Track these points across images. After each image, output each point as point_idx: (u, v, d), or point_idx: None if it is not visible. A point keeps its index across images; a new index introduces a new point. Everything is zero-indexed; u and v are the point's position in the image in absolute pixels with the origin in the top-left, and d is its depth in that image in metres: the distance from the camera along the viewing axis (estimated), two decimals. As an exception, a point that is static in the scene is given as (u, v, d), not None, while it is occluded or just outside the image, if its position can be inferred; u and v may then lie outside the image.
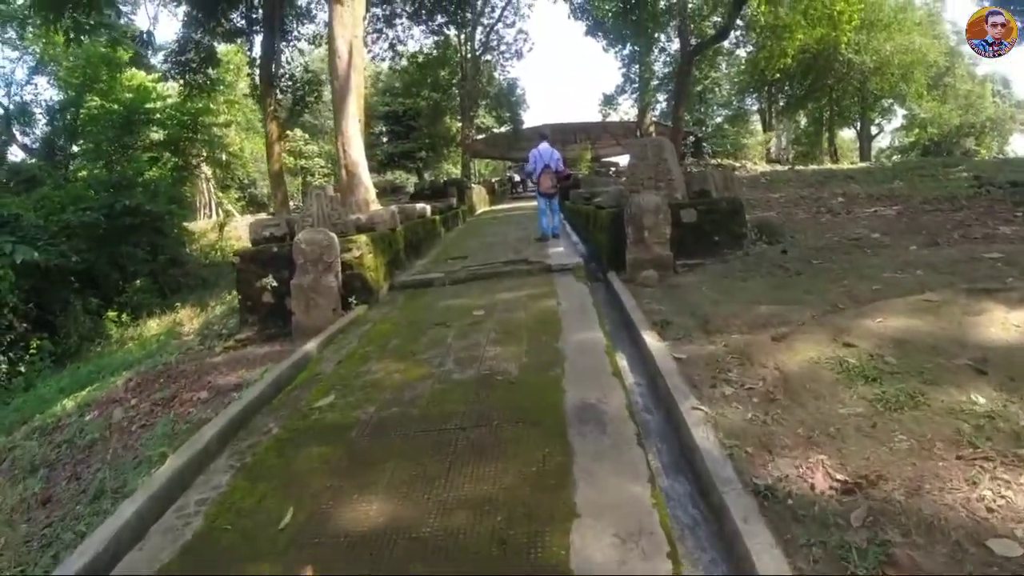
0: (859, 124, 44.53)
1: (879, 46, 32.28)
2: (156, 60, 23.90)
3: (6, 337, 14.36)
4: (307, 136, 45.93)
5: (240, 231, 23.78)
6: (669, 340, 5.33)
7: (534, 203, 11.67)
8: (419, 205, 13.63)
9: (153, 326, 16.01)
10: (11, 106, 25.84)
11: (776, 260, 7.62)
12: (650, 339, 5.28)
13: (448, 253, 11.44)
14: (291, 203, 34.11)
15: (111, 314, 16.78)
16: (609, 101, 37.82)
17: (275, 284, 8.61)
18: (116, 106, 23.28)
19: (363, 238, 8.83)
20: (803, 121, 46.05)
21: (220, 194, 29.47)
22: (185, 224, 26.48)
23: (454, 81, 35.94)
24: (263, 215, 34.12)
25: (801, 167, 27.65)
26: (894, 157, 48.07)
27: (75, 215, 17.99)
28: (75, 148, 26.68)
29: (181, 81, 19.43)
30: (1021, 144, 48.25)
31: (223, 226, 27.43)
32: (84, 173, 23.49)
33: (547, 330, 5.96)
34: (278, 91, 20.82)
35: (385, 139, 37.54)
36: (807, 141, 45.16)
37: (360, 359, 5.95)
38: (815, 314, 5.44)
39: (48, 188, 19.95)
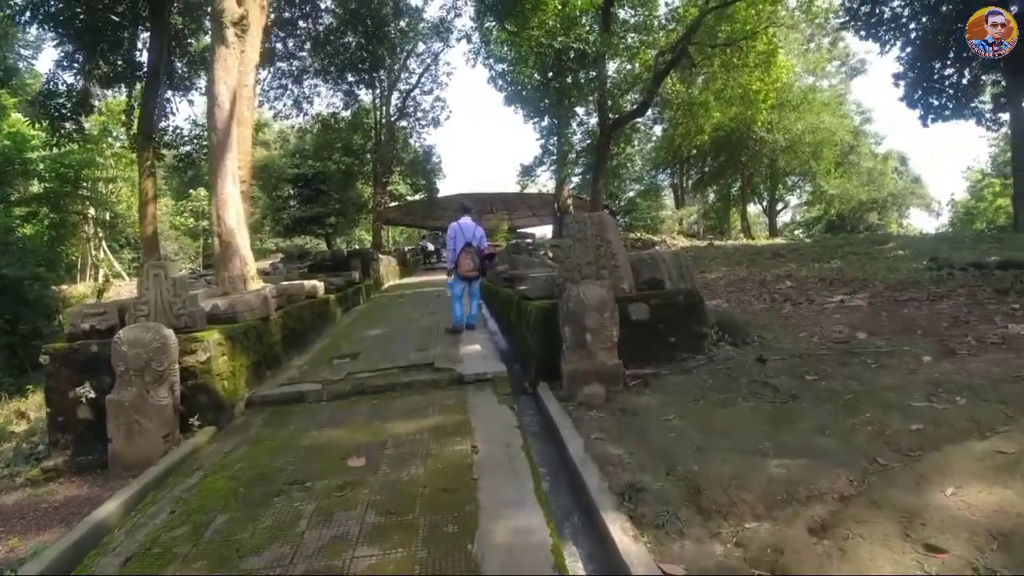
0: (767, 200, 44.93)
1: (790, 125, 32.37)
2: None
3: None
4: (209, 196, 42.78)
5: (128, 294, 20.63)
6: (649, 531, 3.32)
7: (443, 276, 9.44)
8: (308, 283, 11.22)
9: (-8, 416, 12.73)
10: None
11: (755, 373, 5.69)
12: (619, 533, 3.19)
13: (337, 347, 9.07)
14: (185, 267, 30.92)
15: (-32, 394, 13.49)
16: (527, 172, 36.47)
17: (93, 395, 6.28)
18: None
19: (215, 335, 6.46)
20: (711, 197, 46.14)
21: (101, 255, 25.98)
22: (64, 287, 23.18)
23: (368, 146, 33.87)
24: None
25: (719, 242, 26.75)
26: (797, 231, 48.89)
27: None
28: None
29: (47, 127, 16.52)
30: (918, 219, 50.03)
31: (102, 292, 24.12)
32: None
33: (456, 506, 3.76)
34: (159, 146, 18.09)
35: (294, 203, 34.85)
36: (715, 216, 45.13)
37: (159, 557, 3.54)
38: (852, 477, 3.60)
39: None
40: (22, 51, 28.89)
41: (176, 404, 5.97)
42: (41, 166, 21.81)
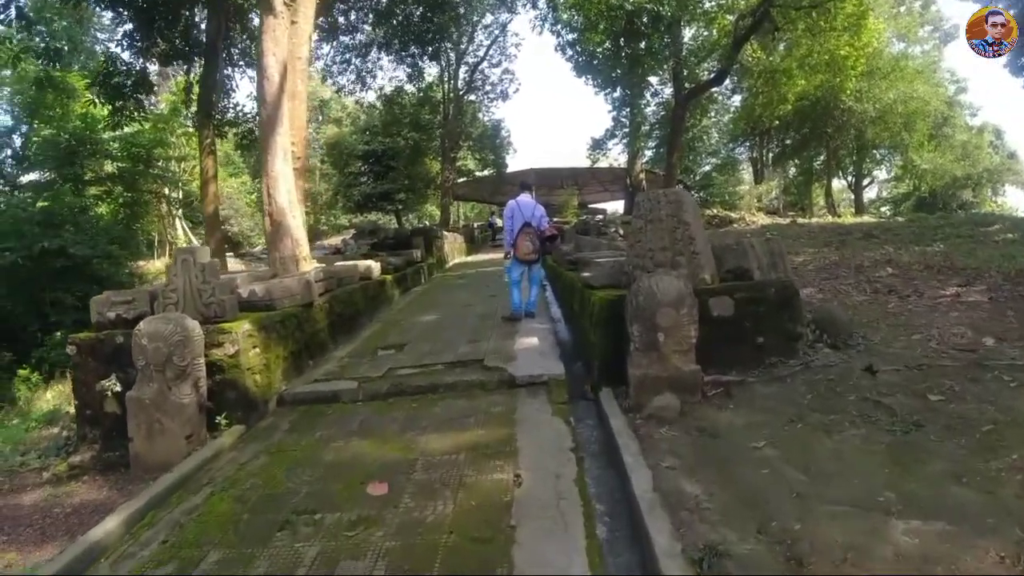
0: (852, 174, 42.12)
1: (880, 94, 29.80)
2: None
3: None
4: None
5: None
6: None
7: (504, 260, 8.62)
8: (362, 264, 10.60)
9: (50, 397, 12.77)
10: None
11: (864, 388, 4.65)
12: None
13: (385, 335, 8.38)
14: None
15: (23, 372, 13.61)
16: (598, 146, 35.19)
17: (119, 389, 5.80)
18: (62, 135, 20.23)
19: (245, 326, 5.84)
20: (791, 171, 43.54)
21: (176, 233, 26.28)
22: (141, 263, 23.47)
23: (436, 121, 33.21)
24: (233, 262, 31.19)
25: (802, 220, 24.95)
26: (883, 209, 45.71)
27: (-7, 257, 14.93)
28: (23, 179, 23.67)
29: (109, 107, 16.41)
30: (1013, 197, 45.86)
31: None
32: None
33: (484, 565, 2.95)
34: (219, 123, 17.78)
35: (364, 179, 34.58)
36: (796, 192, 42.54)
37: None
38: (1003, 552, 2.66)
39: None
40: (98, 35, 29.46)
41: (201, 402, 5.41)
42: (116, 145, 21.97)
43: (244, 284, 7.16)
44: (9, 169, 22.37)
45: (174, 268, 6.06)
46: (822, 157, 38.24)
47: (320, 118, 49.50)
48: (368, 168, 34.10)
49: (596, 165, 37.33)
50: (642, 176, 33.75)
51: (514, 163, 39.60)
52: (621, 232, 22.16)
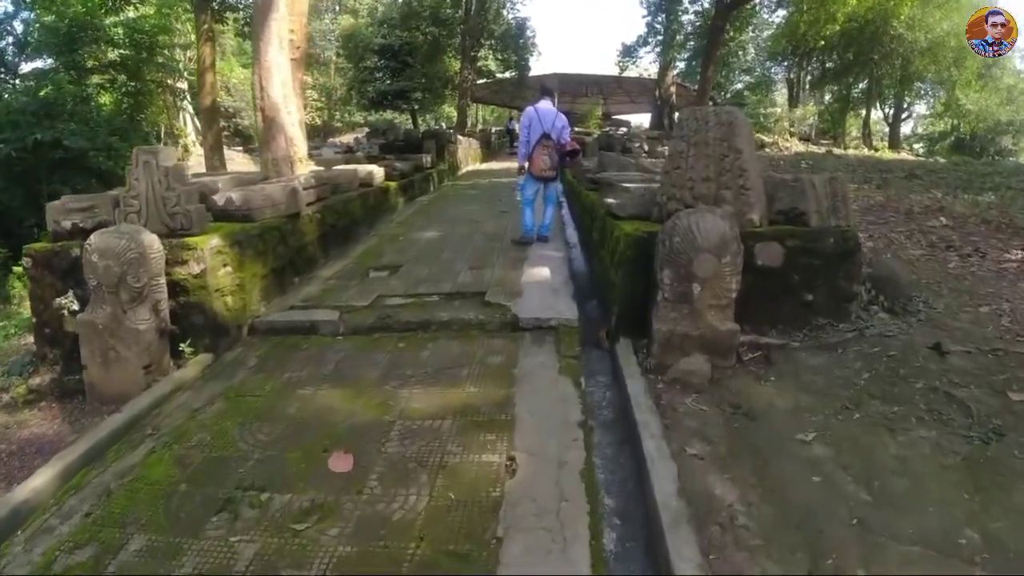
0: (891, 106, 39.67)
1: (934, 24, 27.49)
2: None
3: None
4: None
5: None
6: None
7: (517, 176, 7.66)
8: (363, 169, 9.69)
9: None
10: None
11: (932, 372, 3.84)
12: None
13: (380, 253, 7.59)
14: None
15: (18, 268, 13.06)
16: (629, 53, 33.04)
17: (77, 307, 5.14)
18: (59, 20, 18.95)
19: (214, 240, 5.09)
20: (826, 97, 41.02)
21: (180, 125, 25.19)
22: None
23: (457, 15, 31.15)
24: (241, 159, 30.02)
25: (838, 150, 23.40)
26: (917, 145, 43.20)
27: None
28: (25, 67, 22.49)
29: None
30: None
31: (181, 159, 23.39)
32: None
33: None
34: (218, 8, 16.40)
35: (380, 75, 32.86)
36: (829, 119, 40.14)
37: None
38: None
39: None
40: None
41: (162, 327, 4.73)
42: (120, 32, 20.63)
43: (225, 190, 6.35)
44: (10, 57, 21.12)
45: (135, 171, 5.22)
46: (862, 85, 35.88)
47: (337, 8, 47.15)
48: (384, 64, 32.31)
49: (624, 74, 35.26)
50: (672, 89, 31.86)
51: (537, 67, 37.62)
52: (646, 148, 20.95)
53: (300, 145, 9.38)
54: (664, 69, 31.64)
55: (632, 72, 35.30)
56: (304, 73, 10.89)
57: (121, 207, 5.30)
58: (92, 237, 4.63)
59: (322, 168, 9.95)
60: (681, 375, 3.89)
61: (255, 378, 4.31)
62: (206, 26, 13.86)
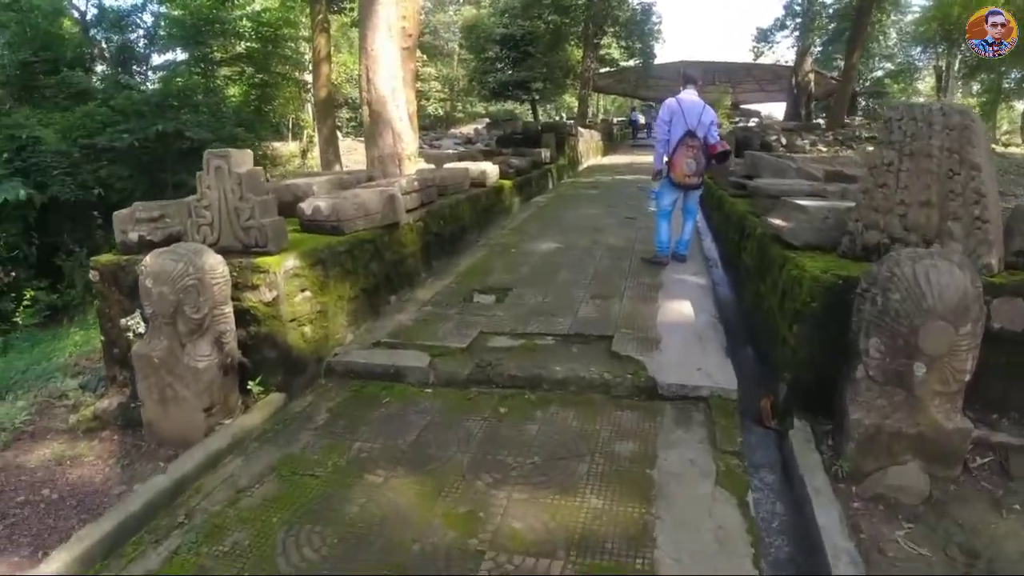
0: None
1: None
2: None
3: None
4: (425, 57, 41.61)
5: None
6: None
7: (653, 158, 6.30)
8: (475, 167, 8.74)
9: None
10: (89, 9, 22.30)
11: None
12: None
13: (488, 268, 6.57)
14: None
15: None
16: (764, 37, 30.66)
17: (143, 329, 4.42)
18: (187, 14, 19.35)
19: (289, 261, 4.25)
20: (974, 87, 36.49)
21: (305, 115, 25.47)
22: (275, 144, 22.92)
23: (579, 2, 29.81)
24: (363, 153, 30.17)
25: (998, 147, 20.40)
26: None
27: (110, 138, 14.44)
28: (158, 60, 23.36)
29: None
30: None
31: (305, 152, 23.65)
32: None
33: None
34: None
35: (500, 65, 32.12)
36: (979, 111, 35.61)
37: None
38: None
39: (94, 104, 16.39)
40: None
41: (227, 363, 3.96)
42: (248, 24, 20.91)
43: (319, 194, 5.57)
44: (141, 49, 21.87)
45: (206, 177, 4.46)
46: (1015, 74, 31.47)
47: (461, 0, 47.00)
48: (505, 54, 31.57)
49: (758, 61, 32.78)
50: (811, 76, 29.23)
51: (662, 55, 35.62)
52: (784, 142, 18.96)
53: (409, 141, 8.58)
54: (802, 55, 29.07)
55: (767, 59, 32.77)
56: (417, 62, 10.09)
57: (193, 218, 4.56)
58: (147, 258, 3.90)
59: (431, 166, 9.11)
60: (888, 491, 2.67)
61: (319, 445, 3.39)
62: (320, 16, 13.43)
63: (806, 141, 20.98)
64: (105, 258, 4.76)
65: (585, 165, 18.91)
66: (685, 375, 3.67)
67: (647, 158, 23.21)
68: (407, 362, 4.04)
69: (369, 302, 5.21)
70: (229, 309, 3.98)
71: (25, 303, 10.99)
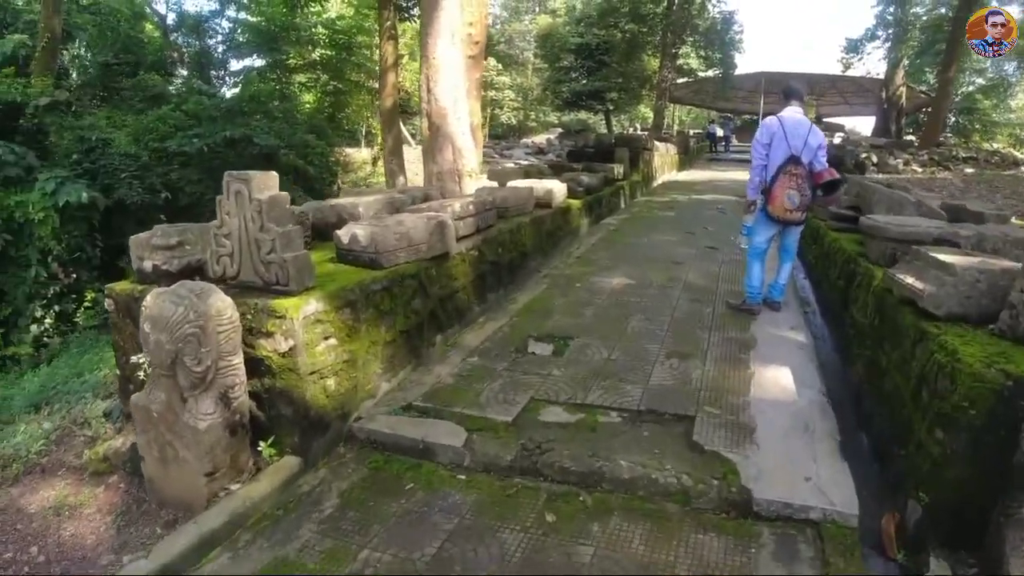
0: None
1: None
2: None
3: (48, 290, 10.74)
4: (499, 66, 41.31)
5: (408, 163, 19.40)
6: None
7: (734, 175, 5.38)
8: (540, 186, 7.97)
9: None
10: (169, 14, 22.72)
11: None
12: None
13: (549, 306, 5.75)
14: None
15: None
16: (855, 48, 28.77)
17: None
18: (261, 20, 19.41)
19: (310, 305, 3.61)
20: None
21: (375, 124, 25.33)
22: (348, 150, 22.87)
23: (658, 10, 28.74)
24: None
25: None
26: None
27: (180, 142, 14.46)
28: (236, 65, 23.66)
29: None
30: None
31: (376, 159, 23.47)
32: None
33: None
34: (402, 4, 15.38)
35: (575, 74, 31.38)
36: None
37: None
38: None
39: (167, 108, 16.51)
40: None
41: (235, 421, 3.38)
42: (323, 32, 20.86)
43: (359, 221, 4.93)
44: (218, 55, 22.11)
45: (225, 202, 3.86)
46: None
47: (536, 8, 46.56)
48: (580, 63, 30.86)
49: (847, 72, 30.95)
50: (902, 91, 27.28)
51: (742, 65, 34.17)
52: (875, 160, 17.49)
53: (470, 157, 7.91)
54: (894, 67, 27.15)
55: (857, 70, 30.91)
56: (484, 71, 9.45)
57: (213, 247, 3.97)
58: (148, 297, 3.33)
59: (493, 184, 8.41)
60: None
61: (319, 548, 2.69)
62: (388, 23, 12.95)
63: (899, 160, 19.37)
64: (120, 286, 4.25)
65: (660, 181, 17.88)
66: (789, 486, 2.78)
67: (726, 174, 22.19)
68: (439, 438, 3.29)
69: (410, 344, 4.52)
70: (238, 360, 3.36)
71: (86, 304, 10.89)
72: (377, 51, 23.07)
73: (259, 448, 3.52)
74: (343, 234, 4.53)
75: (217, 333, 3.20)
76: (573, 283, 6.52)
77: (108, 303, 4.36)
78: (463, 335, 5.03)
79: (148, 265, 4.13)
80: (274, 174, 3.89)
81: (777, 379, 3.92)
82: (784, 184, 4.81)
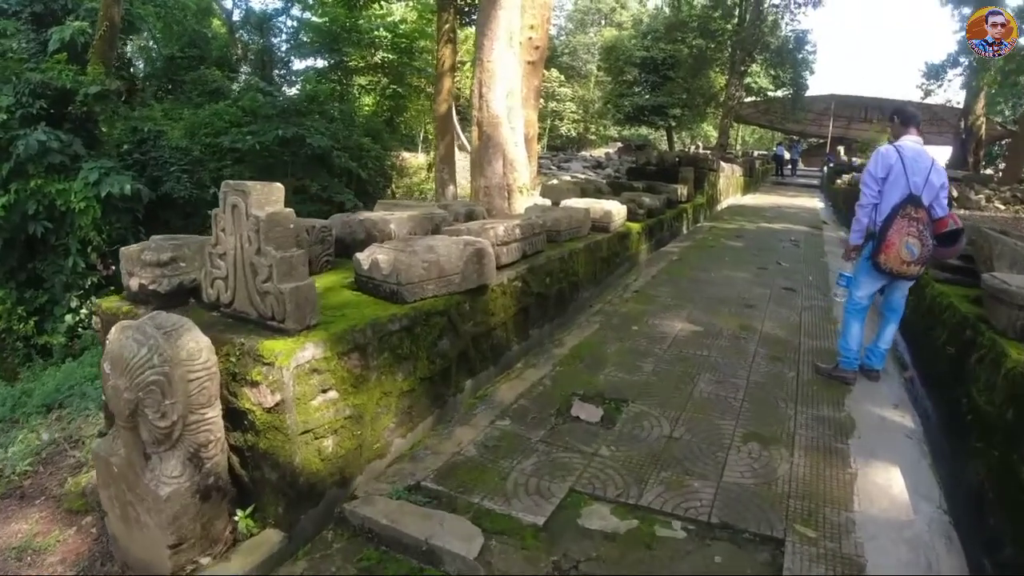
0: None
1: None
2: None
3: (86, 281, 10.46)
4: (562, 77, 40.74)
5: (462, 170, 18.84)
6: None
7: (803, 201, 4.47)
8: (598, 207, 7.17)
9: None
10: (235, 11, 22.73)
11: None
12: None
13: (598, 359, 4.82)
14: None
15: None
16: (935, 74, 27.04)
17: None
18: (325, 21, 19.16)
19: (306, 351, 2.91)
20: None
21: (431, 126, 25.06)
22: (405, 154, 22.55)
23: (728, 27, 27.60)
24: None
25: None
26: None
27: (233, 139, 14.25)
28: (299, 65, 23.59)
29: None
30: None
31: (431, 166, 23.07)
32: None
33: None
34: (462, 7, 14.66)
35: (638, 88, 30.46)
36: None
37: None
38: None
39: (224, 104, 16.35)
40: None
41: (208, 484, 2.72)
42: (385, 34, 20.54)
43: (384, 244, 4.22)
44: (282, 54, 22.02)
45: (221, 217, 3.20)
46: None
47: (603, 21, 45.85)
48: (644, 77, 29.93)
49: (926, 100, 29.24)
50: (981, 122, 25.53)
51: (813, 87, 32.79)
52: (955, 194, 16.11)
53: (522, 170, 7.19)
54: (975, 95, 25.44)
55: (938, 97, 29.14)
56: (545, 80, 8.72)
57: (207, 267, 3.33)
58: (112, 331, 2.71)
59: (546, 202, 7.65)
60: None
61: None
62: (447, 25, 12.30)
63: (980, 196, 17.91)
64: (108, 302, 3.67)
65: (724, 205, 16.82)
66: None
67: (795, 200, 20.90)
68: (448, 541, 2.51)
69: (433, 392, 3.80)
70: (214, 413, 2.72)
71: (121, 297, 10.58)
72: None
73: (235, 518, 2.86)
74: (363, 258, 3.85)
75: (187, 382, 2.55)
76: (629, 324, 5.66)
77: (96, 321, 3.81)
78: (496, 385, 4.25)
79: (135, 283, 3.50)
80: (278, 186, 3.20)
81: (886, 485, 3.02)
82: (902, 230, 3.90)
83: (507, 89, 6.76)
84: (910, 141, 4.06)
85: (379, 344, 3.29)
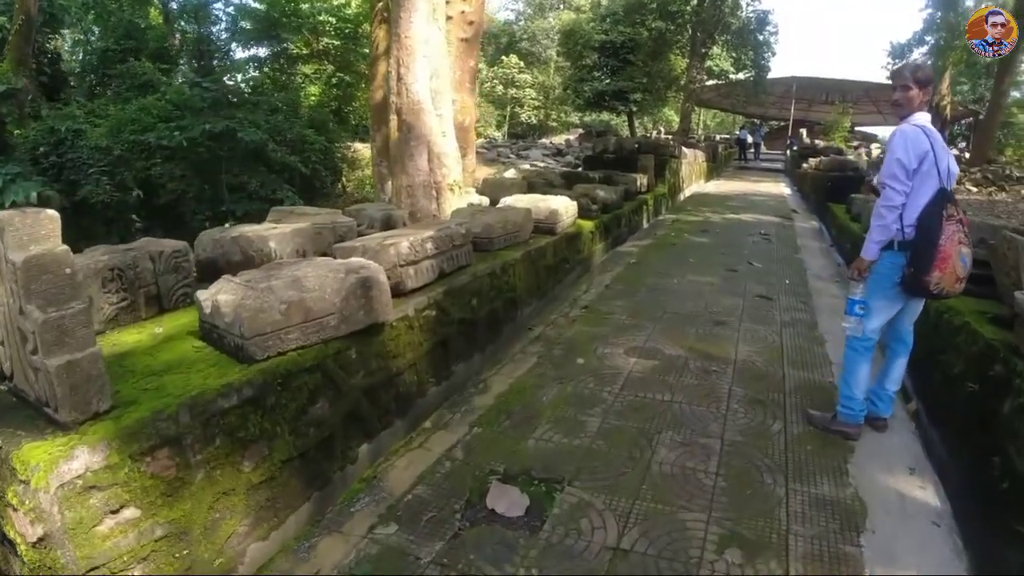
0: None
1: None
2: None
3: None
4: (521, 64, 39.78)
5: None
6: None
7: (769, 187, 3.49)
8: (547, 205, 6.20)
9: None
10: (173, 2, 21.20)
11: None
12: None
13: (530, 409, 3.81)
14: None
15: (184, 266, 11.49)
16: (900, 53, 26.80)
17: None
18: (262, 5, 17.87)
19: (78, 459, 1.95)
20: None
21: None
22: (357, 145, 21.38)
23: (687, 8, 26.77)
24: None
25: None
26: None
27: (159, 135, 13.07)
28: (243, 54, 22.20)
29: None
30: None
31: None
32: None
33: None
34: None
35: (598, 73, 29.49)
36: None
37: None
38: None
39: (152, 98, 15.09)
40: None
41: None
42: (330, 19, 19.28)
43: (240, 276, 3.17)
44: (219, 43, 20.62)
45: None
46: None
47: (561, 5, 44.90)
48: (603, 61, 28.98)
49: (877, 80, 29.11)
50: (947, 102, 25.18)
51: (775, 68, 32.23)
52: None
53: (453, 165, 6.19)
54: (940, 75, 25.12)
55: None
56: (477, 61, 7.70)
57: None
58: None
59: (483, 200, 6.68)
60: None
61: None
62: (381, 3, 11.07)
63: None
64: None
65: (687, 193, 15.93)
66: None
67: (760, 186, 20.08)
68: None
69: (307, 472, 2.82)
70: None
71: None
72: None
73: None
74: (204, 299, 2.85)
75: None
76: (574, 356, 4.62)
77: None
78: (391, 461, 3.22)
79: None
80: (51, 214, 2.17)
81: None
82: (953, 237, 2.96)
83: (431, 70, 5.75)
84: (924, 119, 3.11)
85: (204, 432, 2.30)
